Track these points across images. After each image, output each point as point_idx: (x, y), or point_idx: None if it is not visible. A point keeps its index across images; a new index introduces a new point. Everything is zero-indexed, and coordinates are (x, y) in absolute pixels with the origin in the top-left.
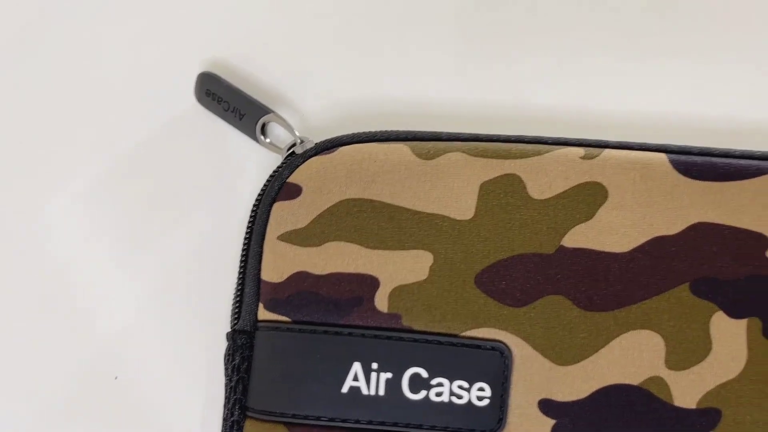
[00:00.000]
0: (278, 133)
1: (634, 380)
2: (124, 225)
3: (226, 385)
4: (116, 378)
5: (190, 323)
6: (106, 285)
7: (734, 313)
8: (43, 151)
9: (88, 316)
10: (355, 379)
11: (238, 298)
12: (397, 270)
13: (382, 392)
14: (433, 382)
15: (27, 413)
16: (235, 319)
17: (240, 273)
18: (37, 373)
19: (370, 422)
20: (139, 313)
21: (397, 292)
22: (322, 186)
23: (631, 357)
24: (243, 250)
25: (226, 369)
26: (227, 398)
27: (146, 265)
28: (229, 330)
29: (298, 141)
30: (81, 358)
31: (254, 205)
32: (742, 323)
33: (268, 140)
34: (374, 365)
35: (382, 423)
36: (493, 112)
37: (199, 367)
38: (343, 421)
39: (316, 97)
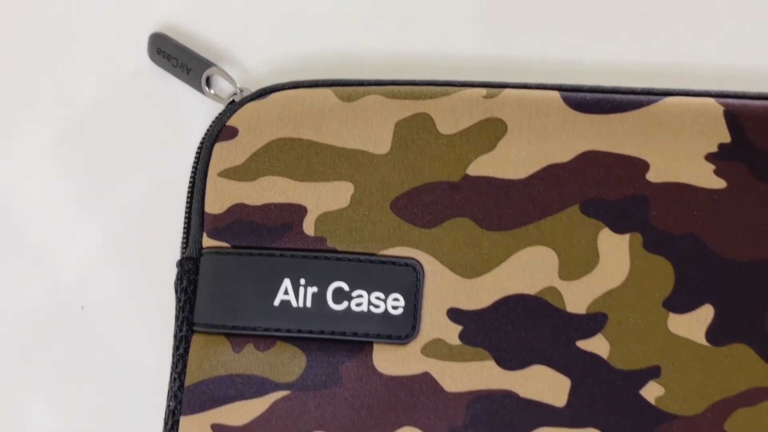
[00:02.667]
0: (222, 87)
1: (531, 290)
2: (87, 170)
3: (176, 306)
4: (83, 308)
5: (146, 255)
6: (71, 223)
7: (618, 229)
8: (11, 106)
9: (55, 252)
10: (286, 293)
11: (185, 230)
12: (322, 199)
13: (309, 304)
14: (354, 294)
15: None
16: (184, 248)
17: (186, 207)
18: (9, 305)
19: (299, 331)
20: (101, 248)
21: (323, 218)
22: (256, 127)
23: (528, 270)
24: (189, 187)
25: (176, 292)
26: (177, 317)
27: (107, 204)
28: (178, 259)
29: (239, 91)
30: (49, 291)
31: (198, 148)
32: (625, 238)
33: (212, 92)
34: (302, 281)
35: (310, 331)
36: (424, 62)
37: (156, 294)
38: (276, 330)
39: (257, 53)
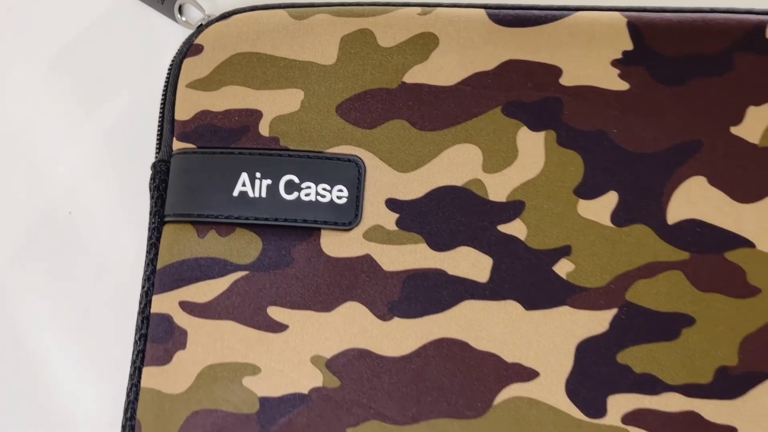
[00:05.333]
0: (193, 15)
1: (459, 182)
2: (75, 91)
3: (150, 203)
4: (70, 213)
5: (126, 164)
6: (60, 138)
7: (535, 127)
8: (5, 37)
9: (45, 165)
10: (243, 185)
11: (158, 137)
12: (276, 104)
13: (264, 194)
14: (303, 185)
15: None
16: (157, 152)
17: (160, 117)
18: (4, 212)
19: (255, 218)
20: (87, 159)
21: (276, 121)
22: (219, 44)
23: (456, 164)
24: (161, 99)
25: (150, 190)
26: (150, 212)
27: (93, 121)
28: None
29: (206, 17)
30: (40, 198)
31: (170, 64)
32: (541, 135)
33: (183, 19)
34: (257, 174)
35: (265, 219)
36: None
37: (135, 196)
38: (236, 218)
39: None
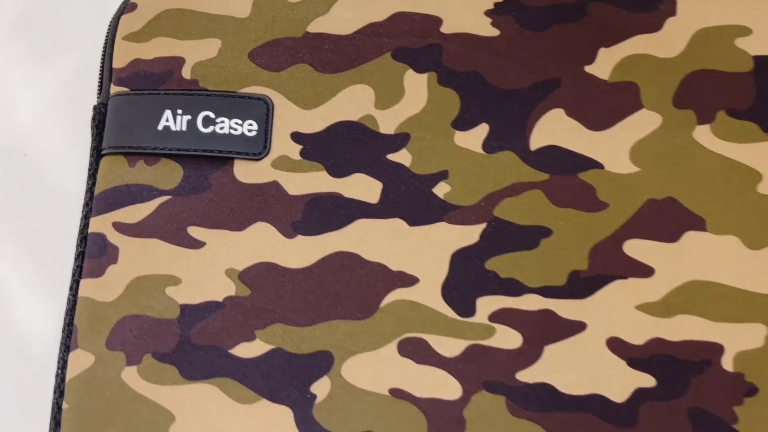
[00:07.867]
0: None
1: (354, 117)
2: (33, 49)
3: (91, 140)
4: (25, 155)
5: (75, 110)
6: (16, 89)
7: (419, 69)
8: None
9: (5, 111)
10: (167, 120)
11: (100, 83)
12: (197, 52)
13: (184, 128)
14: (218, 120)
15: None
16: (98, 96)
17: (101, 67)
18: None
19: (177, 149)
20: (40, 106)
21: (197, 66)
22: (150, 2)
23: (352, 102)
24: (102, 51)
25: (91, 129)
26: (90, 149)
27: (47, 73)
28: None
29: None
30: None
31: (110, 23)
32: (424, 76)
33: None
34: (179, 111)
35: (186, 149)
36: None
37: (82, 138)
38: (161, 149)
39: None
